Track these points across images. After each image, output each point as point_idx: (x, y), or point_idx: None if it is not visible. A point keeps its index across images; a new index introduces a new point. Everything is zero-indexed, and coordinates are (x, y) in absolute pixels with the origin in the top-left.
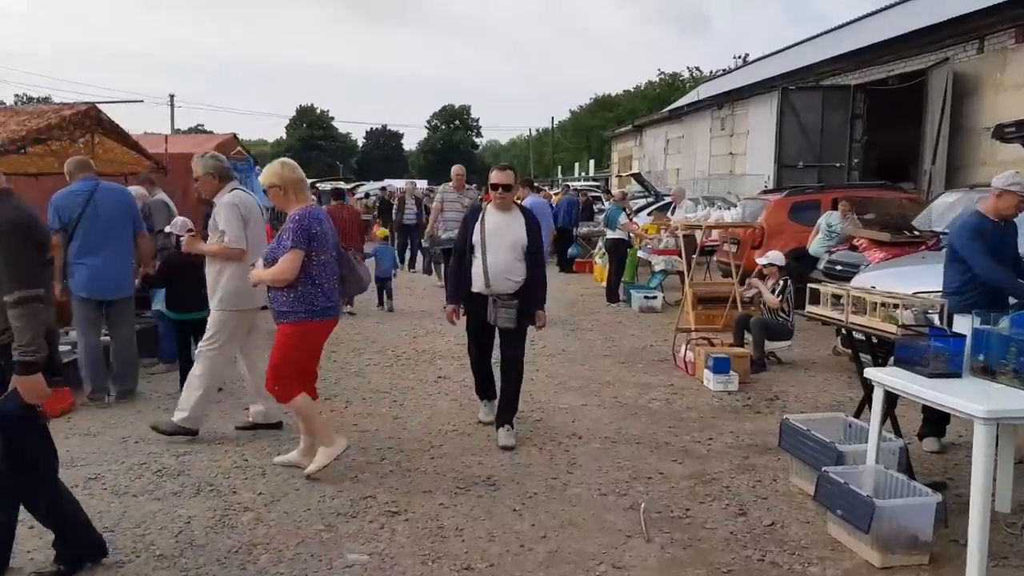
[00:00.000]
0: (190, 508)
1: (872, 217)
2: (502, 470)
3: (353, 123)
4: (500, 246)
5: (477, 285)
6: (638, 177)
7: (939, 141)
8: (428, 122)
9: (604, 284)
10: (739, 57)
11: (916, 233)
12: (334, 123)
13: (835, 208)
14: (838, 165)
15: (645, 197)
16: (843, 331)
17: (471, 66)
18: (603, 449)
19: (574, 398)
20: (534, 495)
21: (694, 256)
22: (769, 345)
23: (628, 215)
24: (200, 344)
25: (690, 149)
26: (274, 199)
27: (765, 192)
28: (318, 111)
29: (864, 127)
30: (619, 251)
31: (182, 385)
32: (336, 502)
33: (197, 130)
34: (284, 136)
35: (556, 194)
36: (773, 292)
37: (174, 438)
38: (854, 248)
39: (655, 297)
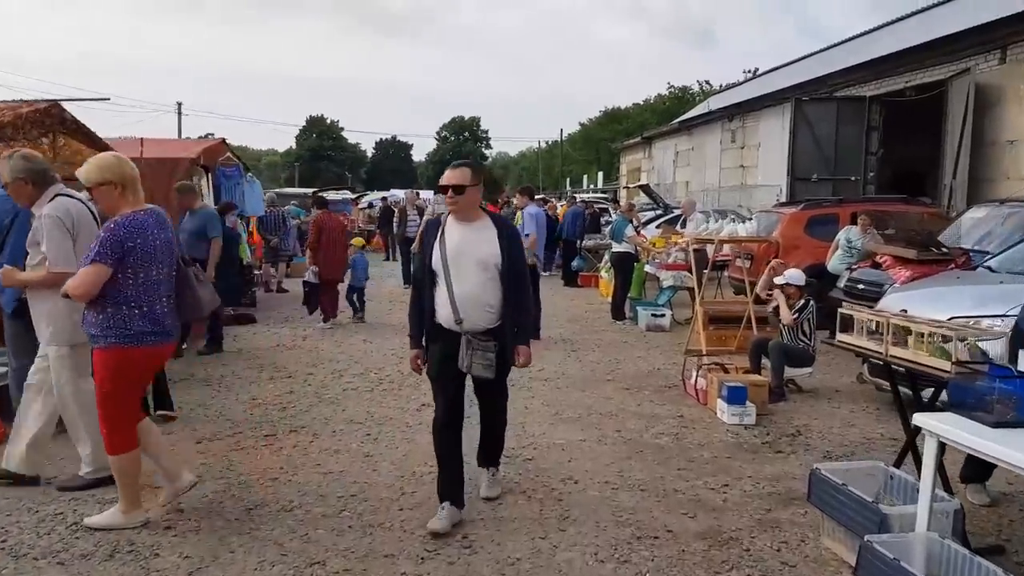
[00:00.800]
0: None
1: (893, 232)
2: (482, 526)
3: (363, 133)
4: (466, 267)
5: (444, 318)
6: (646, 189)
7: (960, 154)
8: (437, 133)
9: (609, 299)
10: (749, 72)
11: (944, 250)
12: (344, 133)
13: (854, 223)
14: (853, 179)
15: (653, 209)
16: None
17: (482, 79)
18: (602, 498)
19: (572, 432)
20: (517, 561)
21: (705, 271)
22: (789, 372)
23: (635, 227)
24: (56, 392)
25: (700, 161)
26: (103, 200)
27: (779, 205)
28: (328, 121)
29: (880, 140)
30: (625, 266)
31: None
32: (276, 570)
33: (207, 140)
34: (294, 146)
35: (562, 206)
36: (791, 309)
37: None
38: (876, 265)
39: (663, 315)
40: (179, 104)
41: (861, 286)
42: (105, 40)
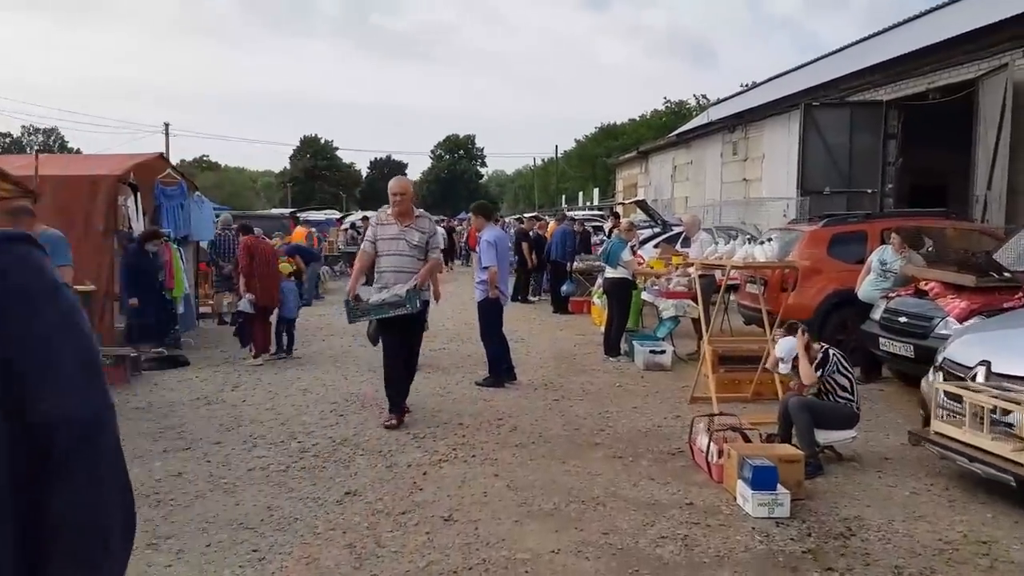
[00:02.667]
0: None
1: (936, 253)
2: None
3: (357, 151)
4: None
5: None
6: (642, 204)
7: (996, 162)
8: (432, 151)
9: (603, 329)
10: (746, 85)
11: (1007, 275)
12: (338, 153)
13: (885, 241)
14: (870, 191)
15: (651, 227)
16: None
17: (476, 97)
18: None
19: (543, 535)
20: None
21: (714, 299)
22: (825, 437)
23: (633, 249)
24: None
25: (699, 175)
26: None
27: (795, 222)
28: (322, 141)
29: (899, 148)
30: (621, 294)
31: None
32: None
33: (202, 161)
34: (288, 166)
35: (552, 224)
36: (811, 365)
37: None
38: (920, 293)
39: (663, 351)
40: (166, 125)
41: (902, 319)
42: (101, 63)
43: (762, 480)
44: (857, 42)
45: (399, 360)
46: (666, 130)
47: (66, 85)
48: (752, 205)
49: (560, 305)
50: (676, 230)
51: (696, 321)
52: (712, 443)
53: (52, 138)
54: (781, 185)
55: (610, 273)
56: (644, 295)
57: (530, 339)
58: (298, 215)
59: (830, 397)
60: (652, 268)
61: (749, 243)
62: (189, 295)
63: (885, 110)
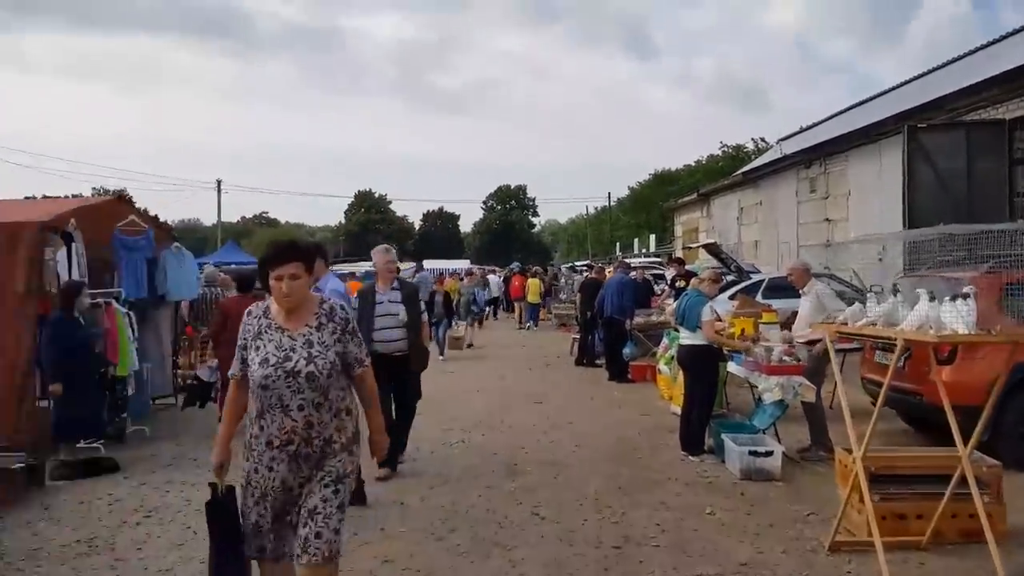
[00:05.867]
0: None
1: None
2: None
3: (409, 204)
4: None
5: None
6: (713, 248)
7: None
8: (484, 203)
9: (674, 407)
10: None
11: None
12: (391, 206)
13: None
14: (997, 230)
15: (723, 274)
16: None
17: (527, 148)
18: None
19: None
20: None
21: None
22: None
23: (713, 310)
24: None
25: (770, 217)
26: None
27: (935, 267)
28: (376, 195)
29: None
30: (703, 368)
31: None
32: None
33: (261, 217)
34: (343, 220)
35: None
36: None
37: None
38: None
39: (770, 453)
40: (219, 181)
41: None
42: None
43: None
44: (945, 65)
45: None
46: (723, 175)
47: (133, 149)
48: (836, 249)
49: (617, 371)
50: (756, 278)
51: (810, 406)
52: None
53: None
54: (873, 223)
55: (687, 339)
56: (732, 368)
57: (580, 421)
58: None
59: None
60: (740, 332)
61: (928, 302)
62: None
63: (1009, 130)
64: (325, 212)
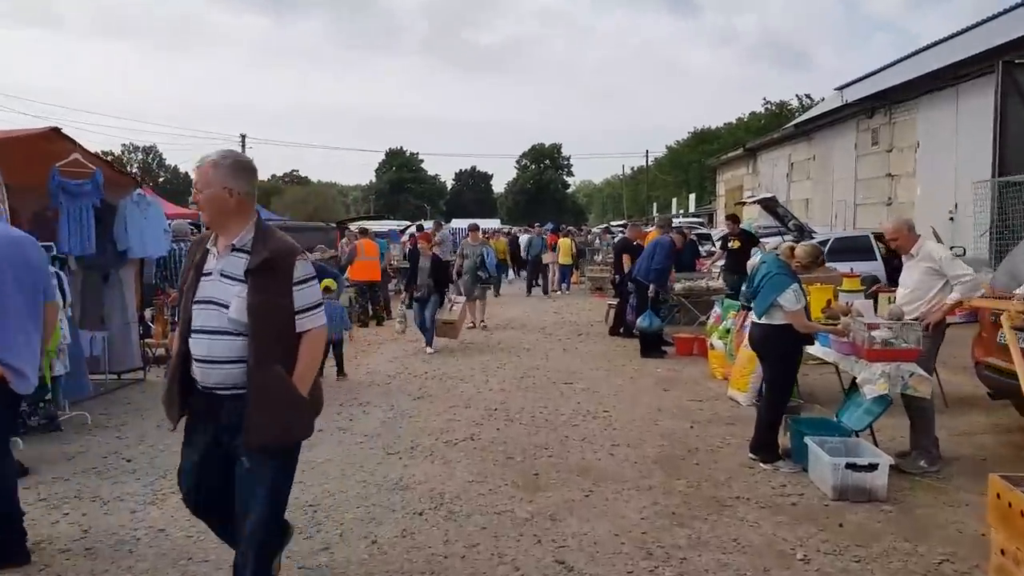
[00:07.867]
0: None
1: None
2: None
3: (442, 161)
4: None
5: None
6: (769, 204)
7: None
8: (517, 162)
9: (732, 392)
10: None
11: None
12: (423, 165)
13: None
14: None
15: (780, 233)
16: None
17: (563, 107)
18: None
19: None
20: None
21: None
22: None
23: (801, 287)
24: None
25: (824, 173)
26: None
27: None
28: (407, 153)
29: None
30: (782, 354)
31: None
32: None
33: (292, 175)
34: (374, 179)
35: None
36: None
37: None
38: None
39: (874, 466)
40: (243, 136)
41: None
42: (199, 85)
43: None
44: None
45: None
46: (765, 133)
47: (166, 106)
48: (899, 207)
49: (651, 345)
50: (817, 238)
51: (919, 403)
52: None
53: (151, 155)
54: (945, 179)
55: (763, 318)
56: (815, 350)
57: (618, 409)
58: (350, 225)
59: None
60: (826, 305)
61: None
62: (118, 339)
63: None
64: (360, 171)
